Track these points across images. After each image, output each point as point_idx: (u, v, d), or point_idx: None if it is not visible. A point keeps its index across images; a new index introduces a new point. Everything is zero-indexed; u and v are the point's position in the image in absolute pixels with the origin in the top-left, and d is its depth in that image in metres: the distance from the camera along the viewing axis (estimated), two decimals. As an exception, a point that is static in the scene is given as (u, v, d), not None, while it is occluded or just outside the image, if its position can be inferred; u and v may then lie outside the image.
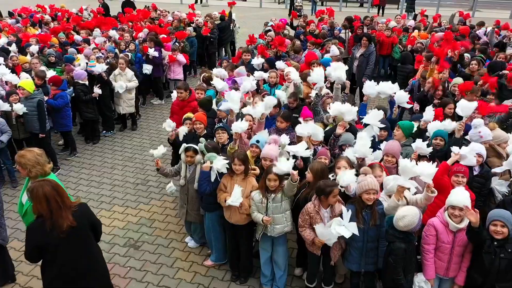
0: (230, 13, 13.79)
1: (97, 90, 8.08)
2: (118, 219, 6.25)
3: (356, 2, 27.39)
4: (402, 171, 4.03)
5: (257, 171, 4.79)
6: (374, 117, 5.39)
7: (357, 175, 4.31)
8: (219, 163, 4.62)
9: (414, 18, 13.65)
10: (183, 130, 5.78)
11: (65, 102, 7.53)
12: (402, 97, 6.34)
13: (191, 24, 13.06)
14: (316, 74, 6.44)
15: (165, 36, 11.03)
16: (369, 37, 10.61)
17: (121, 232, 5.95)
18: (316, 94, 6.43)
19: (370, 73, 9.65)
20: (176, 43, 10.93)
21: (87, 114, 8.25)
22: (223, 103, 5.96)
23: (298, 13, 22.46)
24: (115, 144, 8.63)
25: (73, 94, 7.93)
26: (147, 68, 9.75)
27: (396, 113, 6.52)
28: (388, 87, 6.47)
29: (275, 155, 4.70)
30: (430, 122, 5.57)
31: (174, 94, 7.17)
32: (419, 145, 4.95)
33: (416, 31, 11.29)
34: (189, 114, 6.15)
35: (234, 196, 4.42)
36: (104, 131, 8.97)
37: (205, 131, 5.74)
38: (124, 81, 8.59)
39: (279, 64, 8.01)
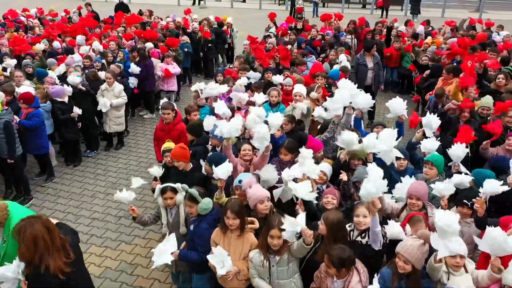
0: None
1: (76, 110, 7.12)
2: (94, 264, 5.30)
3: (359, 4, 26.38)
4: (492, 246, 2.95)
5: (256, 224, 3.83)
6: (388, 140, 4.25)
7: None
8: None
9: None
10: (156, 172, 4.83)
11: (40, 121, 6.58)
12: (432, 122, 5.10)
13: (186, 30, 12.09)
14: (336, 100, 5.18)
15: (156, 45, 10.13)
16: (382, 48, 9.79)
17: (97, 282, 5.00)
18: (333, 121, 5.44)
19: (383, 80, 9.34)
20: (169, 51, 9.98)
21: (67, 135, 7.28)
22: (218, 129, 4.72)
23: (298, 15, 21.64)
24: (98, 166, 7.66)
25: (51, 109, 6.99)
26: (132, 82, 8.82)
27: (420, 137, 5.41)
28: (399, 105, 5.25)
29: (266, 196, 3.83)
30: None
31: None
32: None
33: (429, 37, 10.28)
34: (169, 145, 5.10)
35: (221, 263, 3.46)
36: (88, 151, 8.01)
37: (191, 165, 4.77)
38: (111, 97, 7.62)
39: (277, 78, 7.06)
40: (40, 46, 9.42)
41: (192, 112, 6.03)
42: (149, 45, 9.99)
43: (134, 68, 8.72)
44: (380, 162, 4.24)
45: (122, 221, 6.13)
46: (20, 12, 14.89)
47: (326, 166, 4.61)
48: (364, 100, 5.21)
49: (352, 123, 5.53)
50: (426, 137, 4.97)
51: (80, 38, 10.10)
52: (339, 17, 12.48)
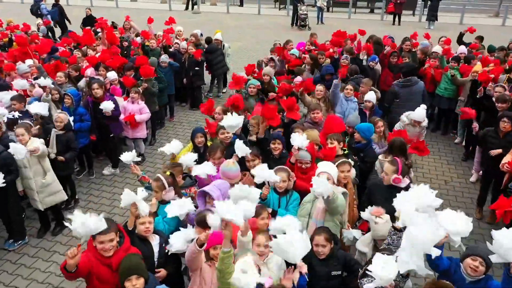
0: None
1: None
2: None
3: (366, 8, 23.75)
4: None
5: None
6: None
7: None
8: None
9: (461, 42, 9.78)
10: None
11: None
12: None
13: (169, 48, 9.48)
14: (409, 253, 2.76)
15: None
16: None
17: None
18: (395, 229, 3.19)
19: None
20: (139, 82, 7.40)
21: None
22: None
23: (301, 23, 19.02)
24: (22, 271, 5.09)
25: None
26: (106, 106, 6.32)
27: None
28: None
29: None
30: None
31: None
32: None
33: (478, 64, 7.63)
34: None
35: None
36: (10, 241, 5.43)
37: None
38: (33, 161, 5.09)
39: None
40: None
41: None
42: (112, 75, 7.38)
43: (107, 106, 6.30)
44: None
45: None
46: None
47: None
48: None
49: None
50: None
51: (23, 67, 7.44)
52: (361, 34, 9.79)
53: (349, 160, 4.30)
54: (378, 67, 8.41)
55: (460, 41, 9.75)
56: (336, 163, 4.21)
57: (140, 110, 6.94)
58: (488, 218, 5.77)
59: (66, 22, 16.45)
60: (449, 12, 21.56)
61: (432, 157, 7.58)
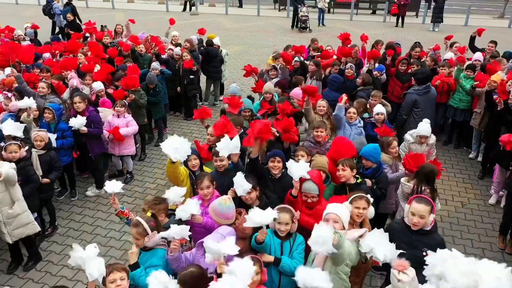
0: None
1: None
2: None
3: (368, 9, 23.07)
4: None
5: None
6: None
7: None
8: None
9: (473, 48, 8.94)
10: None
11: None
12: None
13: (161, 55, 8.82)
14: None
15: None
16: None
17: None
18: None
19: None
20: (126, 94, 6.74)
21: None
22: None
23: (302, 25, 18.33)
24: None
25: None
26: (75, 123, 5.64)
27: None
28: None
29: None
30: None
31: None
32: None
33: (499, 73, 6.93)
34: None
35: None
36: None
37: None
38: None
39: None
40: None
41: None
42: (98, 86, 6.74)
43: (77, 122, 5.62)
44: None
45: None
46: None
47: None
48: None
49: None
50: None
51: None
52: (364, 39, 9.06)
53: (368, 196, 3.61)
54: (384, 77, 7.75)
55: (472, 46, 9.04)
56: (350, 198, 3.57)
57: (126, 124, 6.28)
58: (512, 248, 5.14)
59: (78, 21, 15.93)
60: (452, 14, 20.87)
61: (446, 174, 6.93)
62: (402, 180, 4.49)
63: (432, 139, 5.64)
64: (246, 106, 5.95)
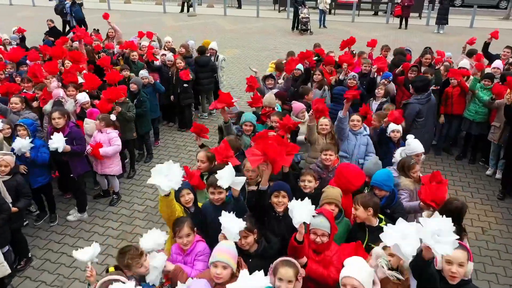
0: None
1: None
2: None
3: (370, 10, 22.42)
4: None
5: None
6: None
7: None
8: None
9: (488, 56, 8.19)
10: None
11: None
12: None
13: (152, 63, 8.18)
14: None
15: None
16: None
17: None
18: None
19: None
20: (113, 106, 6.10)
21: None
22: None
23: (302, 27, 17.69)
24: None
25: None
26: (54, 142, 4.97)
27: None
28: None
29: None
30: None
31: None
32: None
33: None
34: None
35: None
36: None
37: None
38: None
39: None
40: None
41: None
42: (82, 97, 6.10)
43: (56, 142, 4.95)
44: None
45: None
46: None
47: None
48: None
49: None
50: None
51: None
52: (373, 44, 8.38)
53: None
54: (391, 86, 7.12)
55: (486, 53, 8.36)
56: (376, 249, 2.92)
57: (109, 141, 5.64)
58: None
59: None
60: (456, 15, 20.23)
61: (462, 193, 6.32)
62: (424, 214, 3.86)
63: (422, 156, 4.99)
64: (248, 119, 5.26)
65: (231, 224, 2.98)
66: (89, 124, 5.89)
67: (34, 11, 23.35)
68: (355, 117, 5.20)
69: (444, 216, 3.37)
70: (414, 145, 4.79)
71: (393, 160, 4.94)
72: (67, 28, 16.01)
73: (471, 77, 6.96)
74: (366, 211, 3.42)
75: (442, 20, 17.03)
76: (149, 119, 7.19)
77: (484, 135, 6.77)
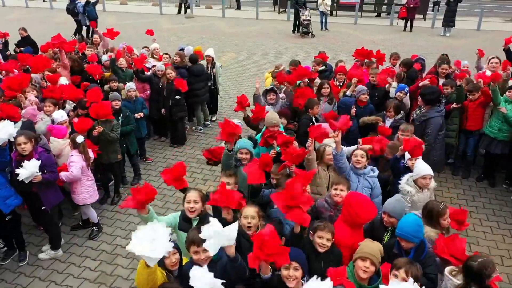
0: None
1: None
2: None
3: (373, 12, 21.65)
4: None
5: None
6: None
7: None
8: None
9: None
10: None
11: None
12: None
13: (141, 73, 7.40)
14: None
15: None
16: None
17: None
18: None
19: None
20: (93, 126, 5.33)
21: None
22: None
23: (304, 30, 16.91)
24: None
25: None
26: (24, 170, 4.22)
27: None
28: None
29: None
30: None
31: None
32: None
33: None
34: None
35: None
36: None
37: None
38: None
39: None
40: None
41: None
42: (58, 116, 5.33)
43: (27, 169, 4.22)
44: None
45: None
46: None
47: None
48: None
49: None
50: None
51: None
52: (380, 59, 7.52)
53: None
54: (407, 99, 6.39)
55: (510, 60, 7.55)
56: None
57: (69, 164, 4.86)
58: None
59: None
60: (462, 17, 19.43)
61: (488, 223, 5.56)
62: (447, 271, 3.13)
63: (432, 182, 4.22)
64: (243, 146, 4.48)
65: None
66: (52, 143, 5.12)
67: (26, 13, 22.55)
68: (359, 152, 4.29)
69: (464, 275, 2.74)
70: (421, 166, 4.05)
71: (399, 187, 4.16)
72: (83, 28, 15.70)
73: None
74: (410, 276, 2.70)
75: (449, 22, 16.26)
76: (134, 139, 6.40)
77: (507, 155, 6.02)
